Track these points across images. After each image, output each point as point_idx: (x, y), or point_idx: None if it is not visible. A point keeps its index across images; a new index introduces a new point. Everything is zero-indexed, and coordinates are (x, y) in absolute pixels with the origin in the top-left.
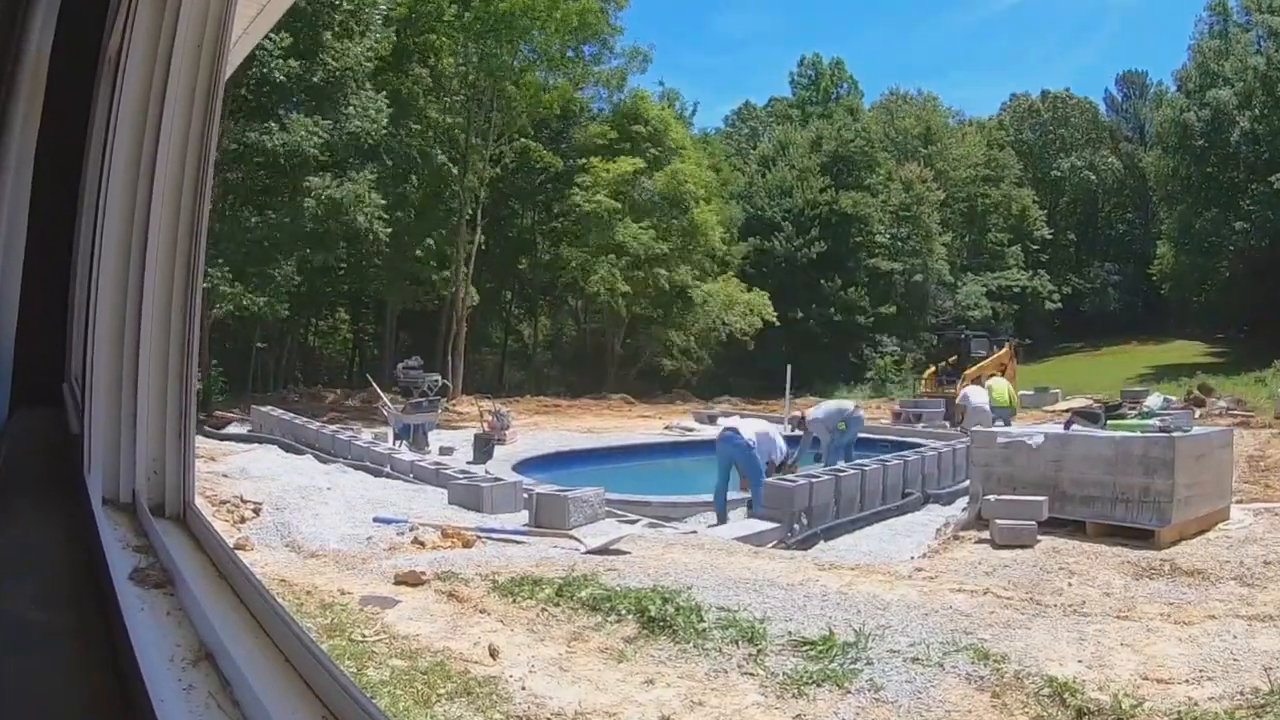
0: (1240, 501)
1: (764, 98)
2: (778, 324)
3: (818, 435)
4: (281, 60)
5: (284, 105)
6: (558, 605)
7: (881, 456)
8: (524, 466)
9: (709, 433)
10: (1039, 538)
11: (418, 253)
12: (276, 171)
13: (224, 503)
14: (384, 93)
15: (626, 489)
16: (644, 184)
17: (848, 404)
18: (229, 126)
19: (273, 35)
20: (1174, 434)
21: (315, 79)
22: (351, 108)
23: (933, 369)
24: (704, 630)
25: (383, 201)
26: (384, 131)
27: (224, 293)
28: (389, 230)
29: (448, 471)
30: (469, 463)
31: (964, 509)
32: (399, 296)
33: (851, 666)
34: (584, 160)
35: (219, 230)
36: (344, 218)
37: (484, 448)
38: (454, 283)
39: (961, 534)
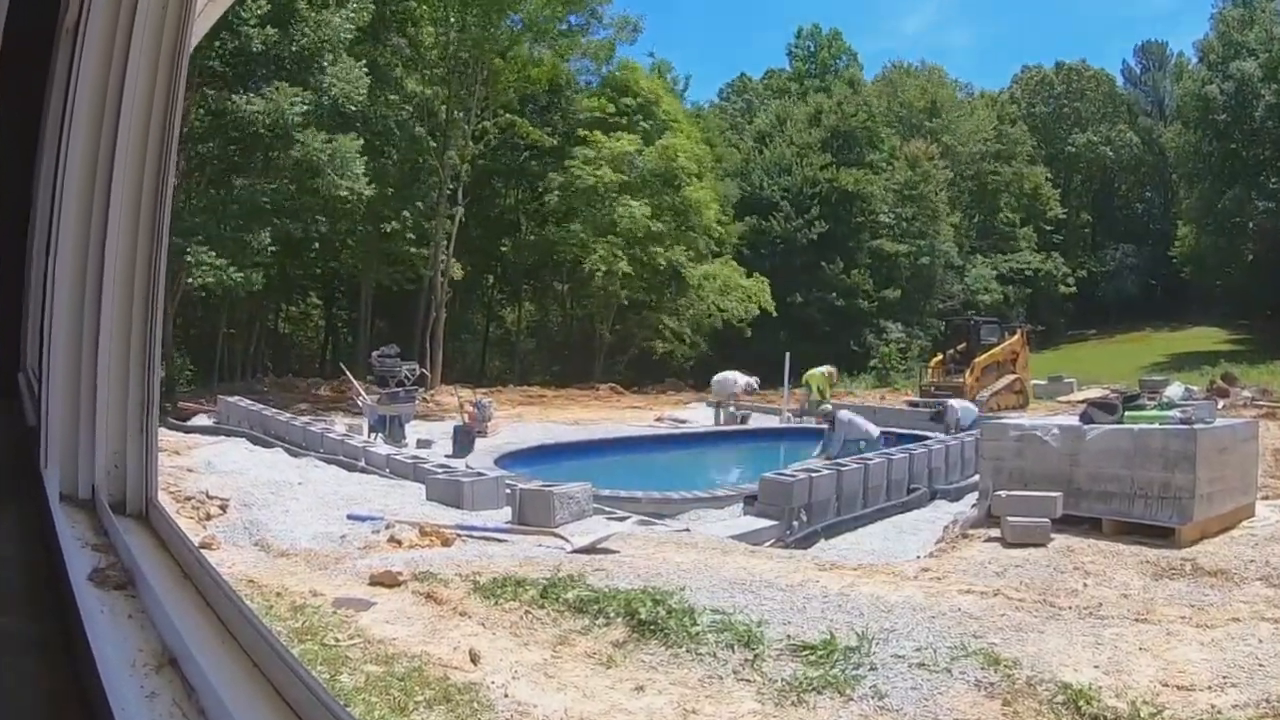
0: (1266, 497)
1: (759, 70)
2: (775, 315)
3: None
4: (259, 29)
5: (262, 75)
6: (542, 607)
7: (886, 450)
8: (507, 460)
9: (703, 424)
10: (1052, 536)
11: (394, 224)
12: (254, 143)
13: (189, 499)
14: (362, 62)
15: (615, 484)
16: (634, 159)
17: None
18: (205, 98)
19: (250, 3)
20: (1196, 426)
21: (294, 48)
22: (331, 77)
23: (940, 357)
24: (697, 634)
25: (364, 162)
26: (361, 98)
27: (203, 264)
28: (370, 189)
29: (426, 466)
30: (448, 456)
31: (973, 505)
32: (374, 276)
33: (854, 672)
34: (582, 133)
35: (193, 204)
36: (324, 180)
37: (464, 440)
38: (433, 264)
39: (970, 532)
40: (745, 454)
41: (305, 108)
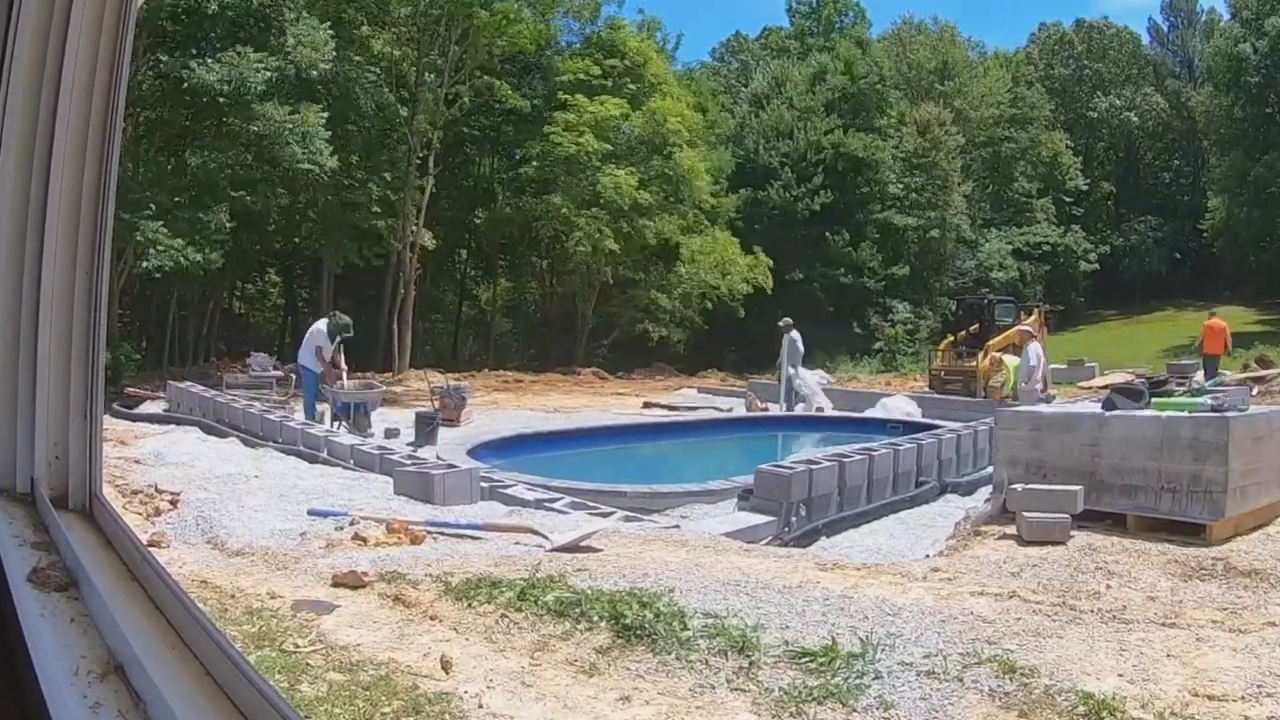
0: None
1: (756, 28)
2: (771, 293)
3: None
4: None
5: (218, 36)
6: (520, 610)
7: (893, 440)
8: (481, 451)
9: (697, 413)
10: (1072, 533)
11: (359, 194)
12: (210, 110)
13: (136, 493)
14: (327, 24)
15: (599, 477)
16: (622, 127)
17: None
18: (156, 62)
19: None
20: (1228, 414)
21: (254, 4)
22: (293, 39)
23: (950, 339)
24: (687, 639)
25: (327, 134)
26: (327, 65)
27: (159, 244)
28: (334, 160)
29: (393, 457)
30: (408, 444)
31: (986, 500)
32: (338, 251)
33: (857, 681)
34: (563, 97)
35: (143, 177)
36: (284, 151)
37: (425, 428)
38: (401, 238)
39: (984, 529)
40: (740, 444)
41: (269, 74)
